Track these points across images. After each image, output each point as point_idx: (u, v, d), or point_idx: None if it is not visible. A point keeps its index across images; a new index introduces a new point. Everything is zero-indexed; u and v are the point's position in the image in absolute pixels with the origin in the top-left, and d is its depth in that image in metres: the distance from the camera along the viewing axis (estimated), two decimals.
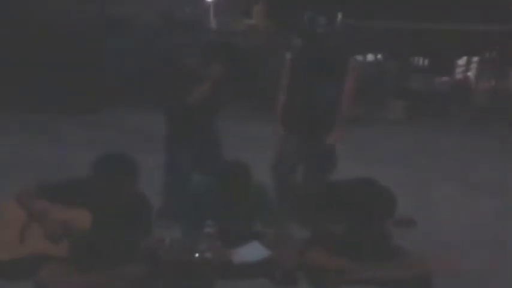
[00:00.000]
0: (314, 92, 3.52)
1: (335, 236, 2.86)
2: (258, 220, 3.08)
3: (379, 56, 16.81)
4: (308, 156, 3.65)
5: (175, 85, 3.53)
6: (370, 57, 17.03)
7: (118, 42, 10.48)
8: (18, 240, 2.50)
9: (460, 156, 7.25)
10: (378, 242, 2.85)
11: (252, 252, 2.83)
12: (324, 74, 3.49)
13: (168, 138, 3.60)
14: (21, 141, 6.33)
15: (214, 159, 3.60)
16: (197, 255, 2.68)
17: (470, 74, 17.91)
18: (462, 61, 18.48)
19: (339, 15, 8.79)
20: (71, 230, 2.47)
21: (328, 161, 3.64)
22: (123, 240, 2.58)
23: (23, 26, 9.28)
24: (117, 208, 2.61)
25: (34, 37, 9.23)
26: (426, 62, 19.49)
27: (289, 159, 3.65)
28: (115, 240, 2.55)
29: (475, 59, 17.37)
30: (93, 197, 2.57)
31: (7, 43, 9.05)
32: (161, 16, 11.45)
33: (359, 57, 16.37)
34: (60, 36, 9.43)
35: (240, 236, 2.93)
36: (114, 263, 2.53)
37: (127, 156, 2.67)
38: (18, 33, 9.18)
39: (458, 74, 18.70)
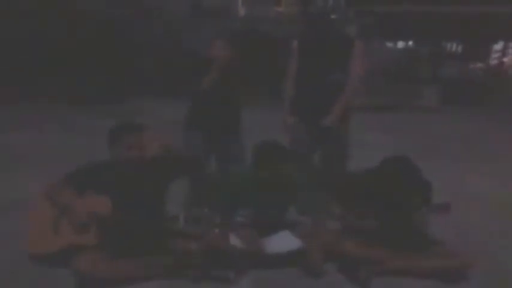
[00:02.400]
0: (321, 78, 3.47)
1: (368, 227, 2.82)
2: (296, 207, 3.04)
3: (410, 43, 16.40)
4: (320, 144, 3.59)
5: (191, 71, 3.57)
6: (401, 44, 16.65)
7: (146, 32, 10.53)
8: (53, 233, 2.55)
9: (494, 145, 7.02)
10: (413, 231, 2.78)
11: (283, 242, 2.81)
12: (331, 59, 3.45)
13: (185, 123, 3.61)
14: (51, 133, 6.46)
15: (232, 144, 3.58)
16: (230, 244, 2.70)
17: (507, 59, 17.32)
18: (498, 46, 17.87)
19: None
20: (95, 218, 2.50)
21: (343, 149, 3.59)
22: (152, 227, 2.59)
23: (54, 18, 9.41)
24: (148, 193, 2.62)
25: (63, 28, 9.36)
26: (460, 48, 18.91)
27: (301, 148, 3.59)
28: (139, 226, 2.57)
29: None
30: (114, 183, 2.59)
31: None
32: (190, 5, 11.44)
33: (389, 44, 16.06)
34: (87, 26, 9.55)
35: (272, 225, 2.92)
36: (147, 249, 2.56)
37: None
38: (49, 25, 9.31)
39: (494, 60, 18.10)
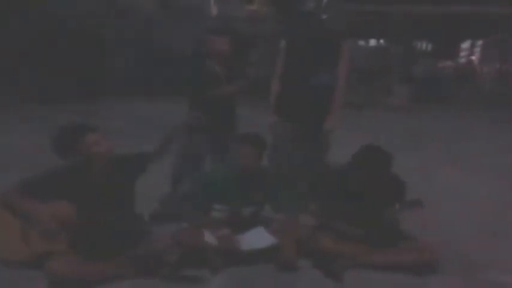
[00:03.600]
0: (308, 79, 3.48)
1: (342, 222, 2.84)
2: (270, 204, 3.04)
3: (381, 41, 16.64)
4: (304, 144, 3.60)
5: (194, 80, 3.62)
6: (372, 42, 16.89)
7: (118, 31, 10.40)
8: (22, 241, 2.49)
9: (463, 141, 7.18)
10: (385, 226, 2.81)
11: (258, 238, 2.81)
12: (317, 60, 3.47)
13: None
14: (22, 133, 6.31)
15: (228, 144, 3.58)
16: (204, 241, 2.68)
17: (474, 57, 17.76)
18: (466, 45, 18.31)
19: None
20: (62, 222, 2.43)
21: (324, 148, 3.62)
22: (115, 227, 2.56)
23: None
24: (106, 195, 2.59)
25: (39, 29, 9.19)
26: (430, 46, 19.30)
27: (284, 147, 3.61)
28: (108, 227, 2.53)
29: (479, 42, 17.22)
30: (77, 186, 2.52)
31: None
32: (161, 4, 11.33)
33: (361, 42, 16.26)
34: (62, 26, 9.40)
35: (247, 222, 2.92)
36: (117, 249, 2.52)
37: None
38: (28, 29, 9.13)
39: (462, 58, 18.54)
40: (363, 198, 2.83)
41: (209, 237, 2.73)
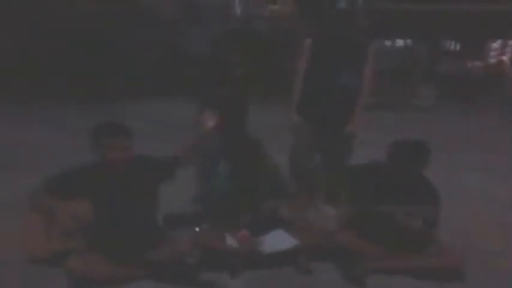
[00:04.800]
0: (333, 80, 3.44)
1: (366, 221, 2.78)
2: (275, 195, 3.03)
3: (408, 41, 16.35)
4: (326, 145, 3.58)
5: (206, 78, 3.67)
6: (399, 42, 16.60)
7: (142, 33, 10.47)
8: (45, 238, 2.53)
9: (490, 144, 6.99)
10: (410, 229, 2.72)
11: (279, 240, 2.79)
12: (343, 61, 3.43)
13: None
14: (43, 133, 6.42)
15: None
16: (226, 243, 2.69)
17: (505, 58, 17.28)
18: (496, 44, 17.84)
19: None
20: (81, 221, 2.44)
21: (347, 150, 3.59)
22: (134, 229, 2.55)
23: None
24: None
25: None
26: (458, 46, 18.87)
27: (306, 148, 3.58)
28: (127, 228, 2.53)
29: (511, 42, 16.75)
30: (98, 185, 2.54)
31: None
32: (186, 4, 11.37)
33: (387, 42, 16.01)
34: (78, 25, 9.51)
35: (266, 224, 2.90)
36: (138, 250, 2.52)
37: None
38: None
39: (492, 58, 18.06)
40: (396, 196, 2.73)
41: (230, 240, 2.72)
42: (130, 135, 2.57)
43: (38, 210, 2.50)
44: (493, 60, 17.81)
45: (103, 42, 9.67)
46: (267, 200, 2.97)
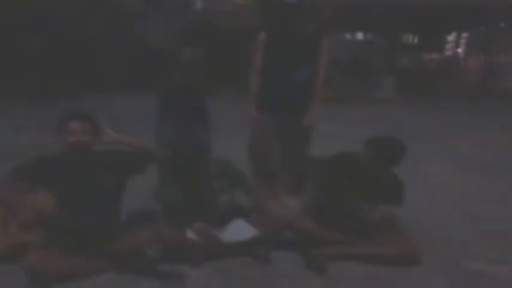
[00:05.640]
0: (288, 73, 3.49)
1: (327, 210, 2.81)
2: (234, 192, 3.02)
3: (368, 35, 16.67)
4: (285, 137, 3.62)
5: (156, 69, 3.59)
6: (359, 35, 16.90)
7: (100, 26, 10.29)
8: (1, 231, 2.48)
9: (449, 133, 7.23)
10: (364, 217, 2.78)
11: (239, 231, 2.79)
12: (297, 53, 3.48)
13: (156, 119, 3.61)
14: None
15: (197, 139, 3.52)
16: (186, 237, 2.67)
17: (460, 50, 17.88)
18: (451, 37, 18.41)
19: None
20: (41, 215, 2.40)
21: (306, 141, 3.64)
22: (100, 220, 2.52)
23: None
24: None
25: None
26: (416, 39, 19.39)
27: (265, 140, 3.62)
28: (86, 221, 2.49)
29: (465, 35, 17.32)
30: (58, 177, 2.49)
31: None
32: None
33: (348, 36, 16.26)
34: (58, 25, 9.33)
35: (225, 215, 2.89)
36: (98, 243, 2.48)
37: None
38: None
39: (448, 50, 18.64)
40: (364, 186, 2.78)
41: (189, 232, 2.72)
42: (88, 119, 2.56)
43: (1, 201, 2.46)
44: (448, 53, 18.41)
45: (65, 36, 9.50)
46: (223, 193, 2.97)
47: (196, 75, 3.57)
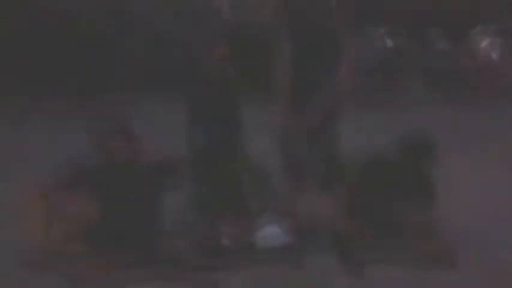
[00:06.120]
0: (311, 74, 3.66)
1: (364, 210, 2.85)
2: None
3: (395, 36, 16.44)
4: (314, 136, 3.77)
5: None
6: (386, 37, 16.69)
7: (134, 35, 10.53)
8: (43, 237, 2.53)
9: (488, 133, 7.06)
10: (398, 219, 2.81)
11: (271, 235, 2.86)
12: (321, 55, 3.65)
13: (188, 123, 3.73)
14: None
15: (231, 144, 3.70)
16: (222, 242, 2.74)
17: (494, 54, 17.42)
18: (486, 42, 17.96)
19: None
20: (85, 222, 2.48)
21: (332, 141, 3.79)
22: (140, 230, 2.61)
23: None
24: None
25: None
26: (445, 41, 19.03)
27: (293, 137, 3.77)
28: (128, 231, 2.57)
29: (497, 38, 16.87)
30: (106, 185, 2.57)
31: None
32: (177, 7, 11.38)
33: (371, 37, 16.06)
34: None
35: (258, 221, 2.95)
36: (139, 252, 2.56)
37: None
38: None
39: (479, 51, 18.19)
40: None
41: (224, 239, 2.77)
42: (130, 135, 2.65)
43: (39, 208, 2.51)
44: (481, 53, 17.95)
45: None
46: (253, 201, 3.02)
47: (227, 77, 3.71)
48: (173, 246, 2.68)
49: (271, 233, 2.87)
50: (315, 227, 2.91)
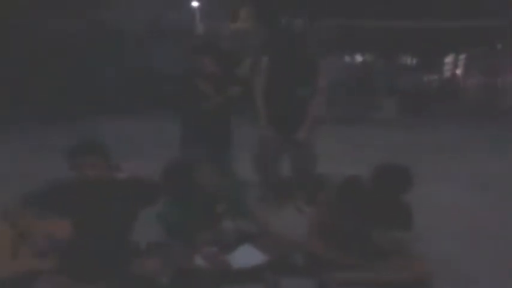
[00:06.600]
0: (290, 94, 3.83)
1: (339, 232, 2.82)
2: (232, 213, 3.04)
3: (368, 56, 16.84)
4: (289, 154, 3.99)
5: (187, 96, 3.92)
6: (358, 57, 17.07)
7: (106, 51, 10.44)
8: (11, 257, 2.44)
9: (450, 153, 7.23)
10: (374, 242, 2.77)
11: (247, 256, 2.78)
12: (297, 77, 3.84)
13: (182, 139, 3.94)
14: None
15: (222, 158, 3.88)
16: (195, 264, 2.67)
17: (458, 71, 17.99)
18: (450, 59, 18.57)
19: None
20: (56, 243, 2.40)
21: (308, 158, 3.98)
22: (112, 249, 2.52)
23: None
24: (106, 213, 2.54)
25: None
26: (415, 60, 19.60)
27: (270, 153, 3.95)
28: (102, 248, 2.49)
29: (463, 56, 17.46)
30: (78, 203, 2.50)
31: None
32: (147, 24, 11.36)
33: (347, 57, 16.40)
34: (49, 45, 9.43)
35: (232, 241, 2.89)
36: (109, 271, 2.47)
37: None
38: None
39: (447, 71, 18.77)
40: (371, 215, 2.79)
41: (198, 259, 2.71)
42: (102, 153, 2.56)
43: (14, 226, 2.43)
44: (447, 74, 18.54)
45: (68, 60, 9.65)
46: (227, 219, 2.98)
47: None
48: (147, 266, 2.55)
49: (246, 253, 2.81)
50: (291, 247, 2.86)
